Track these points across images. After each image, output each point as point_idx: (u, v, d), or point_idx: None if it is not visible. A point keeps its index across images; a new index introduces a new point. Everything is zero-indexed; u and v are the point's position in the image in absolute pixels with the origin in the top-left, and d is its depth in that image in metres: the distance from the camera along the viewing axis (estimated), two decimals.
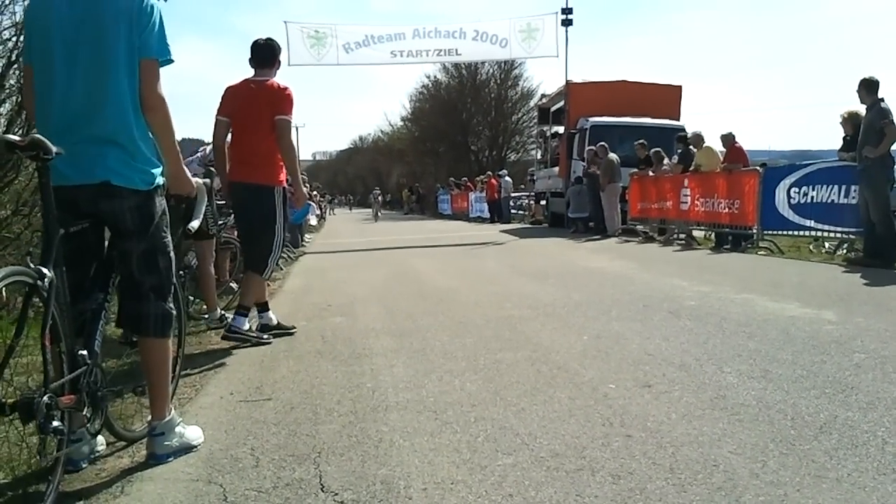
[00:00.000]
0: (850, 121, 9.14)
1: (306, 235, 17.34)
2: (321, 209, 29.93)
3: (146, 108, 2.75)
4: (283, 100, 5.11)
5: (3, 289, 2.28)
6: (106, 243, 2.92)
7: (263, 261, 5.21)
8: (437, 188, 43.48)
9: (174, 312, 2.98)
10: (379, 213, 40.01)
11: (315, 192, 27.75)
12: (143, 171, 2.78)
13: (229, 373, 4.32)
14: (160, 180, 2.87)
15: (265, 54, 5.30)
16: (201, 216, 3.36)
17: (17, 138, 2.43)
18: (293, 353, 4.76)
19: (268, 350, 4.91)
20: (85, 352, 2.62)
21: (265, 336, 5.20)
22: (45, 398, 2.28)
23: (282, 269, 10.45)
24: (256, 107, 5.07)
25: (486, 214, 28.16)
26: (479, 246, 14.29)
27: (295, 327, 5.52)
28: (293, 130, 5.59)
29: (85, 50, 2.68)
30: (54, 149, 2.42)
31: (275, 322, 5.42)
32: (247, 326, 5.16)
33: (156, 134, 2.80)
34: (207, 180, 3.35)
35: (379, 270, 10.21)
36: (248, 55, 5.28)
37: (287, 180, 5.26)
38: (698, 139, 13.18)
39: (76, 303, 2.64)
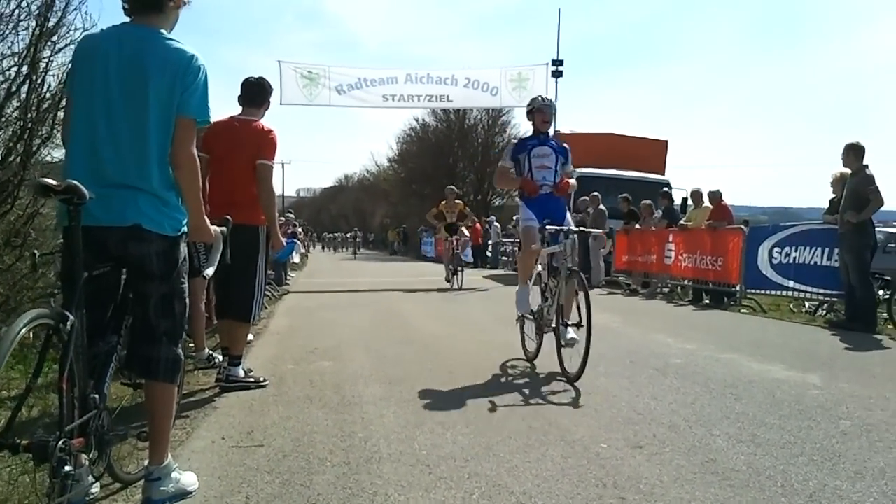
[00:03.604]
0: (842, 181, 9.07)
1: (290, 273, 17.32)
2: (305, 247, 29.93)
3: (174, 166, 2.80)
4: (267, 143, 5.05)
5: (30, 332, 2.27)
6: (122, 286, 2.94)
7: (247, 306, 5.10)
8: (419, 231, 43.43)
9: (183, 358, 2.99)
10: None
11: (300, 231, 27.77)
12: (172, 217, 2.82)
13: (219, 416, 4.30)
14: (185, 227, 2.91)
15: (255, 93, 5.28)
16: (216, 264, 3.37)
17: (53, 182, 2.45)
18: (282, 399, 4.74)
19: (256, 394, 4.89)
20: (97, 395, 2.62)
21: (262, 378, 5.18)
22: (60, 442, 2.28)
23: (266, 307, 10.42)
24: (240, 147, 5.01)
25: (470, 259, 28.22)
26: (464, 291, 14.30)
27: (265, 380, 5.23)
28: (279, 168, 5.58)
29: (123, 98, 2.72)
30: (88, 193, 2.45)
31: (241, 375, 5.14)
32: (242, 374, 5.13)
33: (181, 189, 2.84)
34: (224, 228, 3.37)
35: (364, 312, 10.20)
36: (238, 92, 5.27)
37: None
38: (699, 196, 13.26)
39: (91, 345, 2.64)
